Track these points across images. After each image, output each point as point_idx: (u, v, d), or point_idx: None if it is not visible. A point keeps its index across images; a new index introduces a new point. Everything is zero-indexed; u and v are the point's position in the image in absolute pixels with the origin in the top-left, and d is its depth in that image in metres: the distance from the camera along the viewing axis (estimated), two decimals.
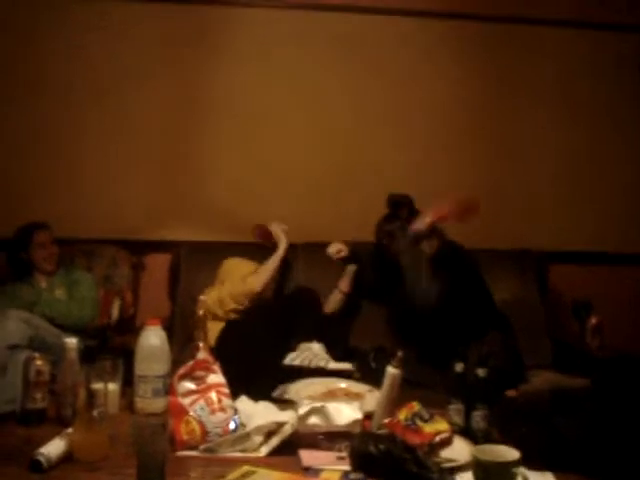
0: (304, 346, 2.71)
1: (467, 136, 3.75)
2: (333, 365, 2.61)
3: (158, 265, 3.58)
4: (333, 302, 3.21)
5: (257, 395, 2.00)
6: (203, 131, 3.66)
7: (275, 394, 2.13)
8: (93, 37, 3.56)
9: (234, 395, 1.88)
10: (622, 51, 3.79)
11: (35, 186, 3.56)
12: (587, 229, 3.78)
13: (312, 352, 2.67)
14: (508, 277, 3.43)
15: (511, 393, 2.43)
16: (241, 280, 3.10)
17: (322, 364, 2.60)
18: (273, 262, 3.18)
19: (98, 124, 3.60)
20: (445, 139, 3.74)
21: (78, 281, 3.24)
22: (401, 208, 3.04)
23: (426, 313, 2.81)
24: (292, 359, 2.63)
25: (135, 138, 3.63)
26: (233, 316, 3.05)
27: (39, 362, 1.85)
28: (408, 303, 2.90)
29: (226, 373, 1.87)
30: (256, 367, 2.51)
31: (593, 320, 3.30)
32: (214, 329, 2.92)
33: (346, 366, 2.61)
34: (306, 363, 2.60)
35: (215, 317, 3.03)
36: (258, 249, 3.30)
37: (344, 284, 3.23)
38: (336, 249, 3.22)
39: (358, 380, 2.30)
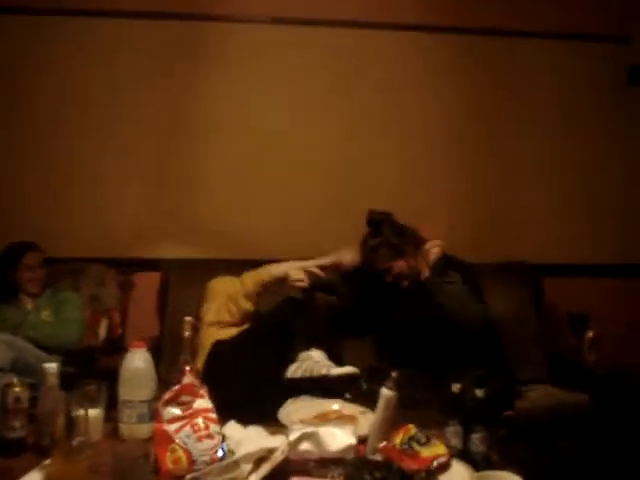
0: (303, 355, 2.59)
1: (460, 149, 3.71)
2: (336, 370, 2.50)
3: (147, 284, 3.49)
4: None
5: (255, 417, 1.92)
6: (193, 148, 3.60)
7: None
8: (84, 54, 3.51)
9: (223, 419, 1.80)
10: (611, 61, 3.76)
11: (22, 204, 3.50)
12: (582, 241, 3.73)
13: (312, 360, 2.54)
14: (503, 290, 3.35)
15: (506, 413, 2.37)
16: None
17: (324, 371, 2.48)
18: (295, 264, 2.95)
19: (87, 141, 3.54)
20: (438, 152, 3.70)
21: (64, 301, 3.18)
22: (382, 225, 2.99)
23: (477, 330, 2.74)
24: (294, 372, 2.52)
25: (125, 155, 3.57)
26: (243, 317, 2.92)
27: (17, 389, 1.77)
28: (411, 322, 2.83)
29: (216, 397, 1.80)
30: (251, 387, 2.43)
31: (590, 334, 3.25)
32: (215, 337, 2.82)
33: (350, 369, 2.51)
34: (308, 373, 2.48)
35: (221, 323, 2.90)
36: (247, 267, 3.19)
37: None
38: (296, 277, 2.91)
39: (351, 401, 2.22)
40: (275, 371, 2.55)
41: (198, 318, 2.95)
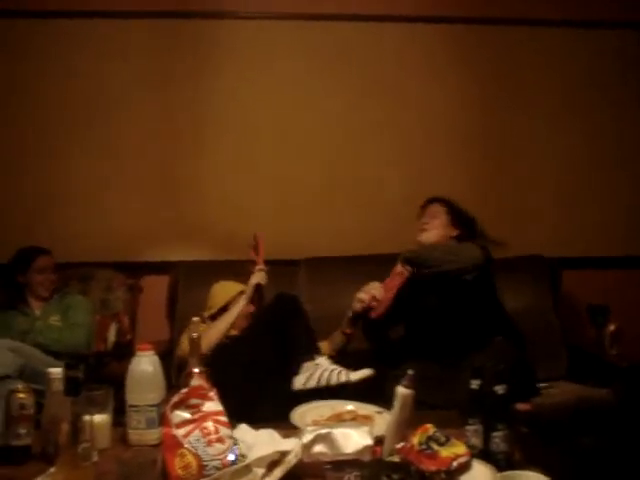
0: (308, 365, 2.43)
1: (469, 143, 3.64)
2: (355, 376, 2.35)
3: (156, 287, 3.46)
4: (334, 343, 2.92)
5: (259, 420, 1.85)
6: (199, 149, 3.57)
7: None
8: (87, 56, 3.49)
9: (233, 423, 1.74)
10: (623, 49, 3.68)
11: (30, 210, 3.48)
12: (601, 233, 3.65)
13: (322, 368, 2.39)
14: (520, 284, 3.30)
15: (523, 407, 2.29)
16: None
17: (344, 379, 2.34)
18: (224, 322, 2.80)
19: (92, 144, 3.51)
20: (446, 147, 3.64)
21: (73, 306, 3.14)
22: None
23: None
24: (304, 383, 2.37)
25: (130, 158, 3.54)
26: None
27: (22, 395, 1.72)
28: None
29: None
30: (254, 391, 2.37)
31: (611, 326, 3.17)
32: None
33: (367, 372, 2.38)
34: (324, 383, 2.34)
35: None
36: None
37: (345, 325, 2.92)
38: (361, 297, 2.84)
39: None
40: (278, 373, 2.48)
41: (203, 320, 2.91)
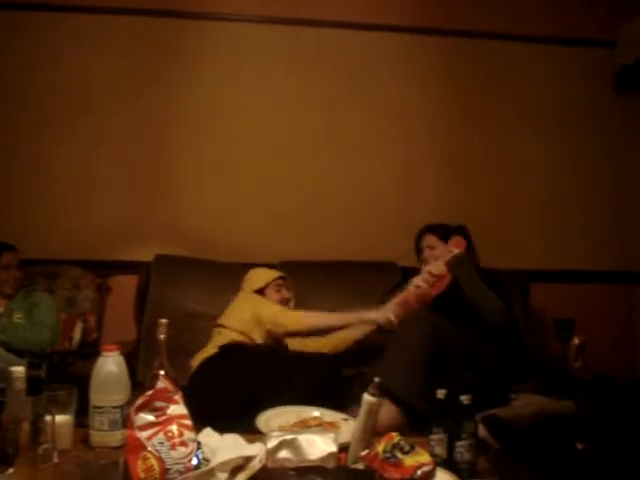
0: None
1: (447, 155, 3.68)
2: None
3: (124, 287, 3.41)
4: (361, 329, 2.83)
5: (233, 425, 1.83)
6: (173, 149, 3.54)
7: None
8: (65, 53, 3.45)
9: (200, 426, 1.73)
10: (599, 66, 3.75)
11: None
12: (568, 248, 3.71)
13: None
14: None
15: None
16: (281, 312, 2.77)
17: None
18: (336, 321, 2.72)
19: (63, 141, 3.46)
20: (425, 158, 3.66)
21: (37, 303, 3.10)
22: None
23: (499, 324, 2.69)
24: None
25: (102, 156, 3.50)
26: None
27: None
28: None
29: (198, 406, 1.72)
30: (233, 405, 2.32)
31: (576, 340, 3.22)
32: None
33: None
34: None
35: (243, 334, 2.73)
36: (227, 271, 3.09)
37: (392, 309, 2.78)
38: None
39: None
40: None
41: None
